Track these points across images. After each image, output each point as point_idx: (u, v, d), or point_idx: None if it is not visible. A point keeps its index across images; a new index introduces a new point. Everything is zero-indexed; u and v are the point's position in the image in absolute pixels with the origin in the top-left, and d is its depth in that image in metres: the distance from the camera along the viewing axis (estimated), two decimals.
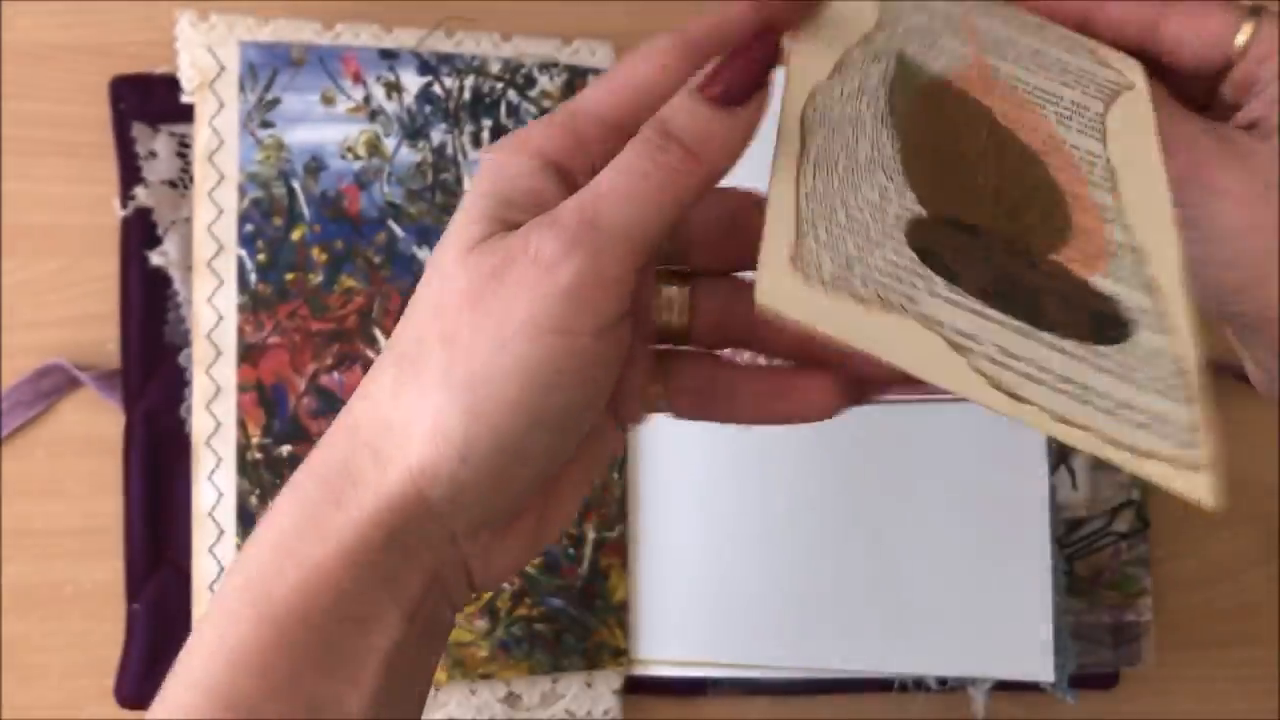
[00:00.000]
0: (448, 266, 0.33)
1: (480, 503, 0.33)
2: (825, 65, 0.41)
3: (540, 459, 0.33)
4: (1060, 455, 0.61)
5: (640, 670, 0.62)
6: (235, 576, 0.33)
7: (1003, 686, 0.61)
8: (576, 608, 0.60)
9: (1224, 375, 0.62)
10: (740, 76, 0.34)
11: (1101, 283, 0.41)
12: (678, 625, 0.61)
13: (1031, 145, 0.43)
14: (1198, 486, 0.39)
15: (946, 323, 0.40)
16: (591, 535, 0.60)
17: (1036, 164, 0.43)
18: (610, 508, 0.61)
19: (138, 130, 0.61)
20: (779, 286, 0.37)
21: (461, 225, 0.33)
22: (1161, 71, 0.43)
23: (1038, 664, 0.58)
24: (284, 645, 0.32)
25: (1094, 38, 0.45)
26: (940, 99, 0.43)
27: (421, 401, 0.32)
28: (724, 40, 0.35)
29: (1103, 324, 0.40)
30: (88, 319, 0.63)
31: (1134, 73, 0.45)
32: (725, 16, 0.35)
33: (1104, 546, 0.62)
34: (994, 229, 0.41)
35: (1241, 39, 0.41)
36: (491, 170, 0.34)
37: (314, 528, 0.32)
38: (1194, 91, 0.43)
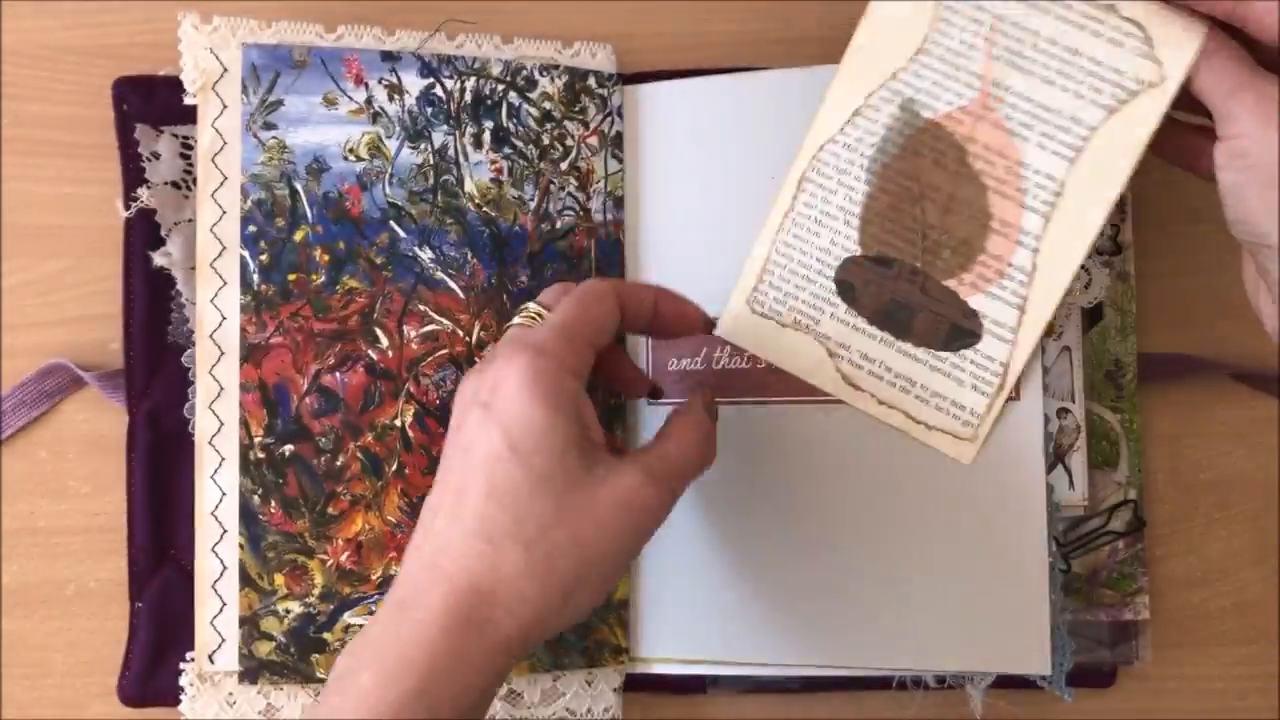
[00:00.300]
0: (559, 476, 0.45)
1: (554, 634, 0.47)
2: (843, 115, 0.57)
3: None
4: (1058, 455, 0.61)
5: (640, 668, 0.62)
6: (405, 682, 0.43)
7: (1000, 685, 0.61)
8: None
9: (1220, 374, 0.63)
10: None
11: (978, 300, 0.57)
12: (678, 623, 0.61)
13: (991, 174, 0.56)
14: (962, 454, 0.58)
15: (833, 337, 0.59)
16: None
17: (982, 196, 0.56)
18: None
19: (141, 131, 0.61)
20: (735, 324, 0.60)
21: (552, 444, 0.45)
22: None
23: (1036, 659, 0.58)
24: None
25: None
26: (921, 141, 0.57)
27: (550, 582, 0.44)
28: (639, 305, 0.52)
29: (957, 335, 0.57)
30: (91, 319, 0.64)
31: (1178, 62, 0.51)
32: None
33: (1101, 545, 0.62)
34: (908, 261, 0.57)
35: None
36: (561, 389, 0.46)
37: (465, 660, 0.43)
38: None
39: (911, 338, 0.58)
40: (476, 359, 0.60)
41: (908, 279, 0.57)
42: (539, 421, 0.45)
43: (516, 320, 0.50)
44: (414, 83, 0.61)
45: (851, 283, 0.58)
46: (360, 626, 0.58)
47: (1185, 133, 0.54)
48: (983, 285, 0.57)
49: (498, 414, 0.45)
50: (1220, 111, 0.48)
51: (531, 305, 0.51)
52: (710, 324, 0.56)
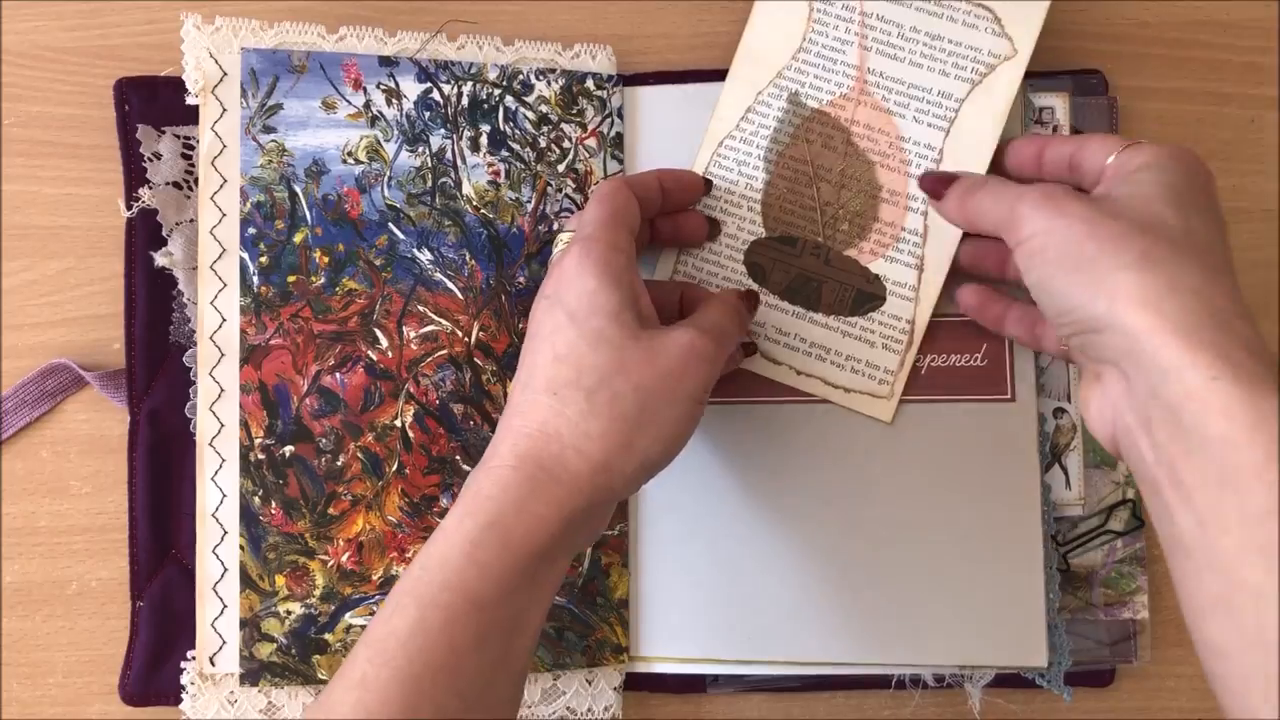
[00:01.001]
0: (612, 331, 0.49)
1: (626, 492, 0.51)
2: (738, 112, 0.62)
3: (666, 466, 0.52)
4: (1054, 455, 0.61)
5: (640, 667, 0.62)
6: (479, 516, 0.47)
7: (999, 684, 0.61)
8: (577, 605, 0.61)
9: None
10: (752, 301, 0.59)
11: (879, 265, 0.61)
12: (678, 622, 0.61)
13: (876, 150, 0.61)
14: (880, 411, 0.61)
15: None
16: None
17: (870, 170, 0.61)
18: None
19: (142, 132, 0.62)
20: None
21: (604, 304, 0.50)
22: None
23: (1033, 652, 0.58)
24: (514, 568, 0.47)
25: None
26: (810, 129, 0.62)
27: (615, 424, 0.49)
28: (647, 189, 0.57)
29: (863, 300, 0.61)
30: (93, 319, 0.64)
31: (1026, 35, 0.60)
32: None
33: (1099, 545, 0.62)
34: (810, 237, 0.61)
35: (1113, 156, 0.52)
36: (610, 261, 0.51)
37: (534, 494, 0.48)
38: None
39: (821, 307, 0.61)
40: (476, 359, 0.60)
41: (811, 253, 0.61)
42: (590, 287, 0.50)
43: (558, 249, 0.56)
44: (411, 87, 0.61)
45: (760, 264, 0.62)
46: (362, 627, 0.59)
47: (1029, 310, 0.58)
48: (881, 251, 0.61)
49: (558, 295, 0.51)
50: (1007, 221, 0.51)
51: (565, 234, 0.57)
52: (709, 184, 0.62)
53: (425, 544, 0.48)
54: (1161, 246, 0.45)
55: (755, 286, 0.61)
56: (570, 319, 0.50)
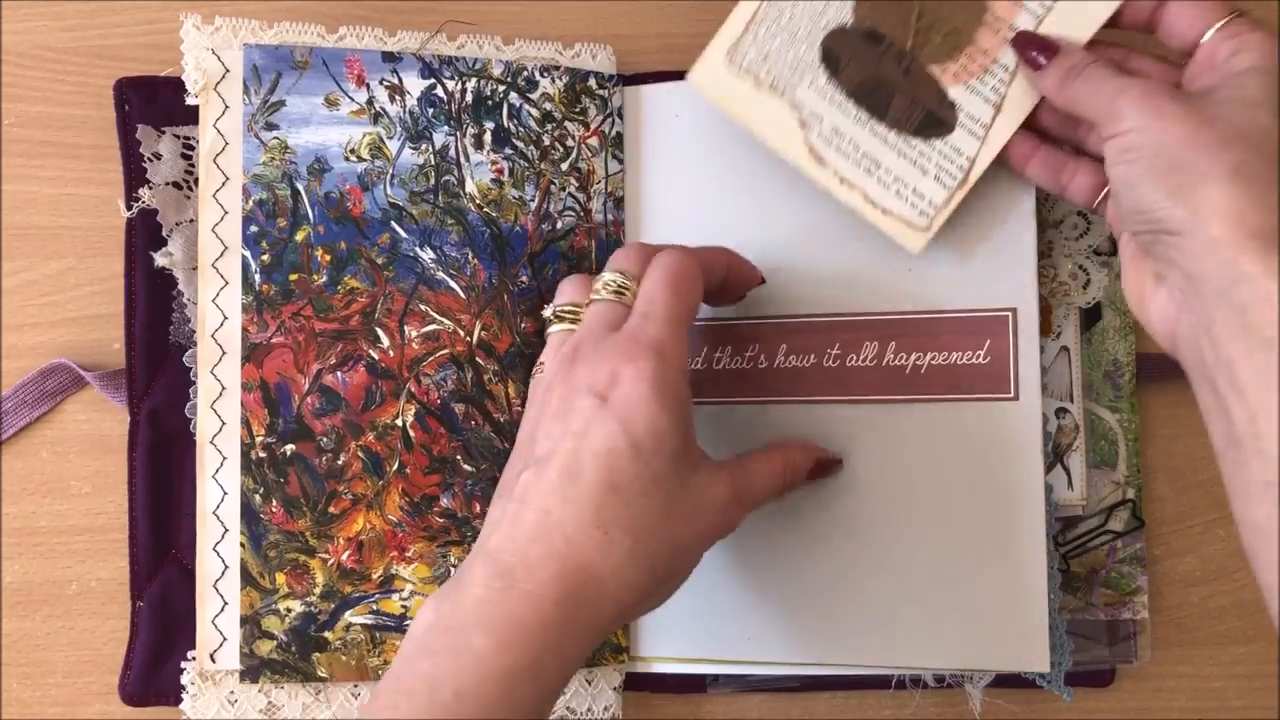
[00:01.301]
0: (670, 480, 0.48)
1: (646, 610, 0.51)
2: None
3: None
4: (1056, 455, 0.61)
5: (640, 667, 0.62)
6: (519, 652, 0.45)
7: (999, 684, 0.61)
8: None
9: None
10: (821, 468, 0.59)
11: (957, 93, 0.57)
12: (678, 622, 0.61)
13: None
14: (912, 242, 0.58)
15: (808, 106, 0.58)
16: None
17: None
18: None
19: (142, 132, 0.62)
20: (707, 73, 0.58)
21: (670, 448, 0.48)
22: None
23: (1035, 656, 0.58)
24: (540, 703, 0.46)
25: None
26: None
27: (646, 574, 0.48)
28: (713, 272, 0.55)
29: (931, 123, 0.57)
30: (92, 319, 0.64)
31: None
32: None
33: (1100, 545, 0.62)
34: (898, 39, 0.57)
35: (1211, 31, 0.51)
36: (681, 393, 0.49)
37: (569, 637, 0.46)
38: None
39: (887, 119, 0.57)
40: (478, 359, 0.60)
41: (894, 59, 0.57)
42: (662, 426, 0.48)
43: (603, 294, 0.52)
44: (415, 83, 0.61)
45: (838, 53, 0.57)
46: (362, 625, 0.58)
47: (1055, 155, 0.57)
48: (965, 77, 0.57)
49: (619, 410, 0.48)
50: (1105, 113, 0.50)
51: (615, 277, 0.53)
52: (762, 279, 0.59)
53: (451, 645, 0.45)
54: (1256, 159, 0.46)
55: (824, 75, 0.57)
56: (635, 452, 0.47)
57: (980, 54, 0.56)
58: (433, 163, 0.61)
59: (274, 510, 0.58)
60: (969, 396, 0.59)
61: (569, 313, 0.54)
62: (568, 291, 0.55)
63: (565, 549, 0.46)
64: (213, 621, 0.59)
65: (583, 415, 0.48)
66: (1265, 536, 0.45)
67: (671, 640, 0.61)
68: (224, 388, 0.59)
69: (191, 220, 0.61)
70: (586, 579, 0.46)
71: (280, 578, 0.58)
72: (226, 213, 0.60)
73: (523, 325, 0.61)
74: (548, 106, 0.62)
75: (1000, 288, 0.59)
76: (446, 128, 0.61)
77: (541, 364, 0.54)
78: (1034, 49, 0.54)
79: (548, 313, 0.55)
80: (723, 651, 0.61)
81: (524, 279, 0.61)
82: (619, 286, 0.52)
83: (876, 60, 0.57)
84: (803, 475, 0.56)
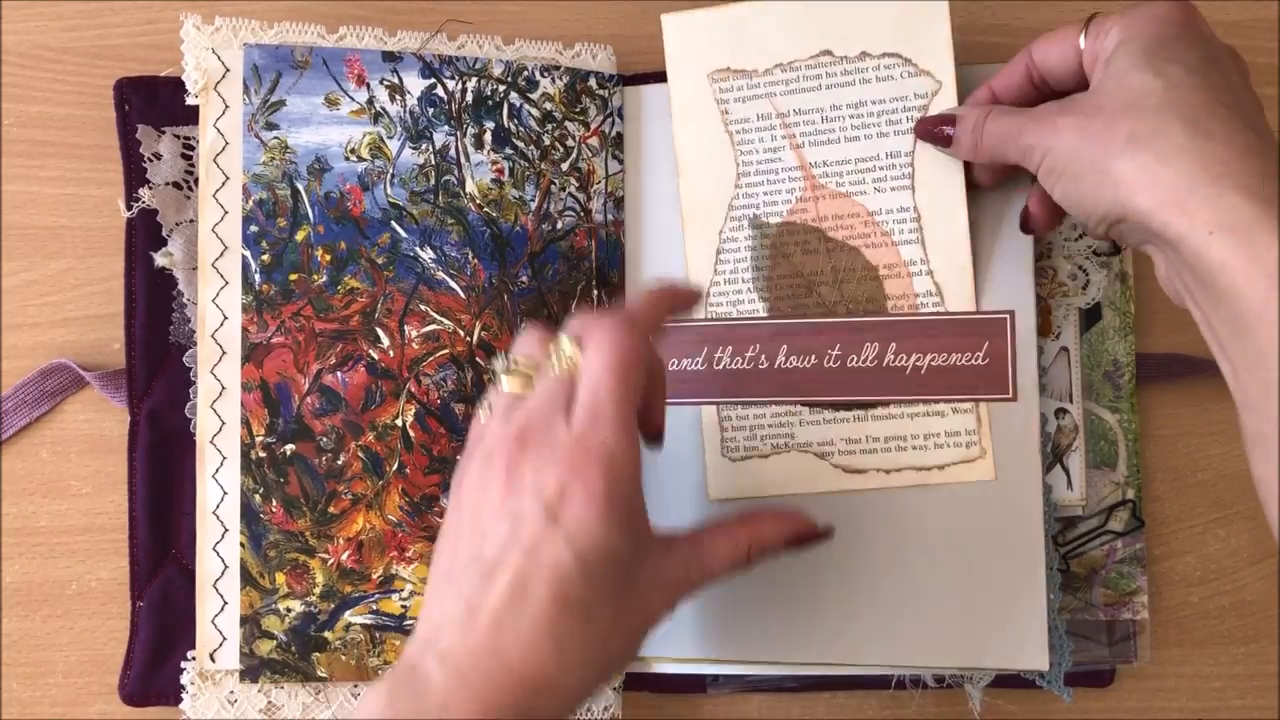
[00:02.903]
0: (622, 586, 0.46)
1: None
2: (710, 259, 0.61)
3: None
4: (1056, 455, 0.61)
5: (640, 667, 0.62)
6: None
7: (1000, 684, 0.61)
8: None
9: (1218, 374, 0.63)
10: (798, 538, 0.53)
11: None
12: (678, 622, 0.61)
13: (855, 235, 0.60)
14: (979, 472, 0.59)
15: (814, 441, 0.60)
16: None
17: (858, 256, 0.60)
18: None
19: (142, 132, 0.62)
20: (721, 480, 0.61)
21: (627, 552, 0.46)
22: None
23: (1034, 655, 0.58)
24: None
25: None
26: (783, 243, 0.61)
27: (598, 675, 0.47)
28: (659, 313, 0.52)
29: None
30: (93, 319, 0.64)
31: (944, 67, 0.58)
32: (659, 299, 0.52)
33: (1100, 545, 0.62)
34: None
35: (1082, 39, 0.52)
36: (630, 499, 0.46)
37: None
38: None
39: (876, 401, 0.60)
40: (478, 359, 0.60)
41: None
42: (613, 544, 0.45)
43: (556, 368, 0.48)
44: (415, 83, 0.61)
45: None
46: (360, 625, 0.58)
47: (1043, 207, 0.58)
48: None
49: (568, 531, 0.45)
50: (1017, 151, 0.52)
51: (566, 345, 0.48)
52: (696, 294, 0.55)
53: (394, 695, 0.45)
54: (1145, 119, 0.47)
55: (804, 410, 0.60)
56: (585, 574, 0.45)
57: (900, 300, 0.60)
58: (433, 163, 0.61)
59: (274, 510, 0.58)
60: (969, 397, 0.59)
61: (522, 371, 0.49)
62: (525, 345, 0.51)
63: (521, 667, 0.45)
64: (213, 621, 0.59)
65: (531, 528, 0.45)
66: (1269, 489, 0.46)
67: (671, 640, 0.61)
68: (224, 388, 0.59)
69: (191, 220, 0.61)
70: (540, 689, 0.45)
71: (280, 577, 0.58)
72: (226, 213, 0.60)
73: (523, 325, 0.61)
74: (548, 106, 0.62)
75: (999, 290, 0.60)
76: (447, 127, 0.61)
77: (484, 409, 0.50)
78: (936, 126, 0.57)
79: (499, 365, 0.50)
80: (723, 651, 0.61)
81: (524, 279, 0.61)
82: (569, 358, 0.48)
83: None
84: (774, 552, 0.52)
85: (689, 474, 0.62)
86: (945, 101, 0.58)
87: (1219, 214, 0.44)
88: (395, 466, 0.59)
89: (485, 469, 0.47)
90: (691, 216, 0.61)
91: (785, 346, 0.61)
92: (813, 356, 0.60)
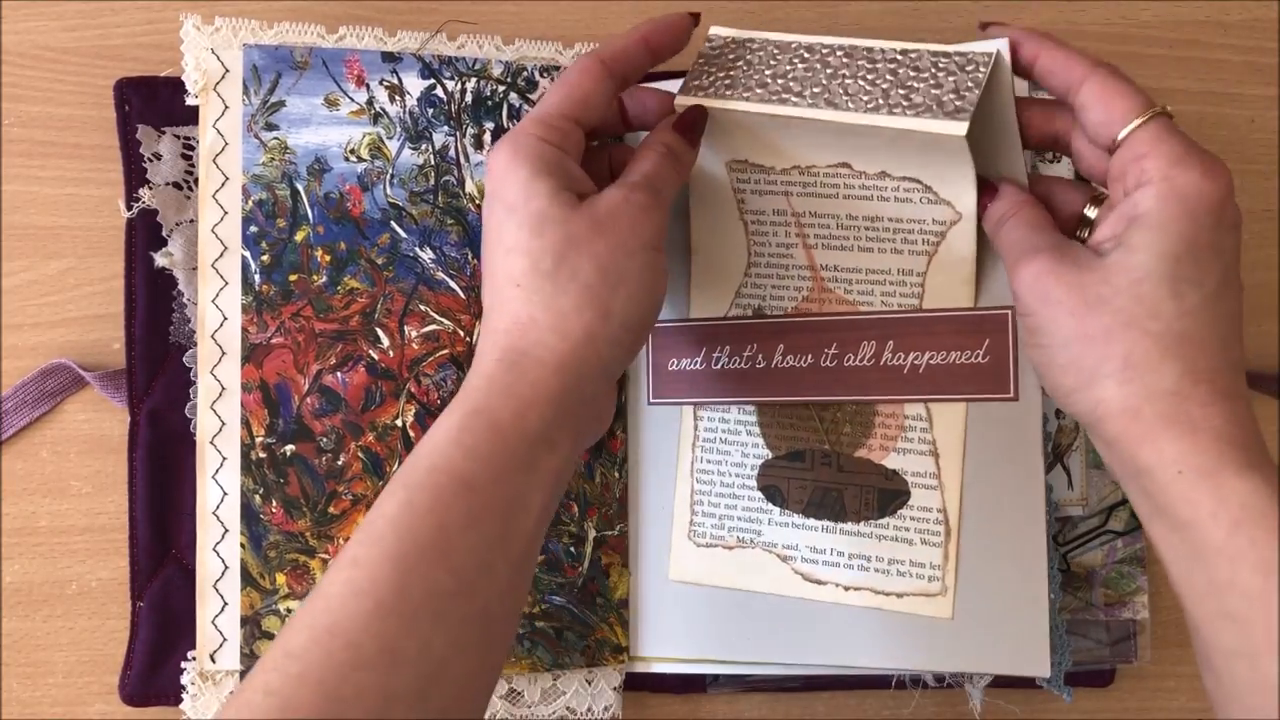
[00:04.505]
0: (554, 212, 0.49)
1: (617, 360, 0.51)
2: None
3: (650, 325, 0.52)
4: (1056, 455, 0.61)
5: (640, 667, 0.62)
6: (465, 404, 0.47)
7: (1000, 684, 0.61)
8: (577, 605, 0.61)
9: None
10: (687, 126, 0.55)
11: (892, 460, 0.59)
12: (678, 623, 0.61)
13: None
14: (938, 609, 0.58)
15: (779, 543, 0.60)
16: (592, 533, 0.61)
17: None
18: (611, 506, 0.61)
19: (142, 132, 0.62)
20: (683, 562, 0.61)
21: (541, 189, 0.49)
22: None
23: (1035, 660, 0.58)
24: (505, 451, 0.46)
25: (1029, 78, 0.53)
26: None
27: (584, 295, 0.49)
28: (631, 60, 0.55)
29: (888, 499, 0.59)
30: (93, 320, 0.64)
31: (965, 198, 0.55)
32: (627, 40, 0.55)
33: (1100, 545, 0.62)
34: (815, 447, 0.60)
35: (1125, 131, 0.48)
36: (540, 153, 0.50)
37: (520, 378, 0.48)
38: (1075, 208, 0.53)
39: (848, 516, 0.59)
40: None
41: (822, 463, 0.60)
42: (522, 177, 0.50)
43: None
44: (415, 84, 0.61)
45: (775, 485, 0.60)
46: None
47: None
48: (890, 444, 0.59)
49: (496, 194, 0.51)
50: (1010, 276, 0.51)
51: None
52: (697, 17, 0.57)
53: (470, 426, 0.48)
54: (1145, 346, 0.46)
55: (775, 510, 0.60)
56: (510, 212, 0.50)
57: (889, 419, 0.59)
58: (432, 163, 0.61)
59: (274, 510, 0.58)
60: (969, 396, 0.59)
61: None
62: None
63: (495, 322, 0.50)
64: (213, 622, 0.59)
65: (487, 223, 0.52)
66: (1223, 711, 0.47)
67: (671, 640, 0.61)
68: (224, 388, 0.59)
69: (191, 220, 0.61)
70: (517, 329, 0.49)
71: (280, 578, 0.58)
72: (226, 213, 0.60)
73: None
74: None
75: (999, 287, 0.59)
76: (446, 128, 0.61)
77: None
78: (982, 195, 0.55)
79: None
80: (723, 651, 0.61)
81: None
82: None
83: (810, 474, 0.60)
84: (688, 138, 0.55)
85: (653, 552, 0.62)
86: (964, 232, 0.56)
87: (1187, 457, 0.44)
88: (395, 467, 0.59)
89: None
90: (699, 296, 0.61)
91: (782, 345, 0.60)
92: (809, 355, 0.60)
